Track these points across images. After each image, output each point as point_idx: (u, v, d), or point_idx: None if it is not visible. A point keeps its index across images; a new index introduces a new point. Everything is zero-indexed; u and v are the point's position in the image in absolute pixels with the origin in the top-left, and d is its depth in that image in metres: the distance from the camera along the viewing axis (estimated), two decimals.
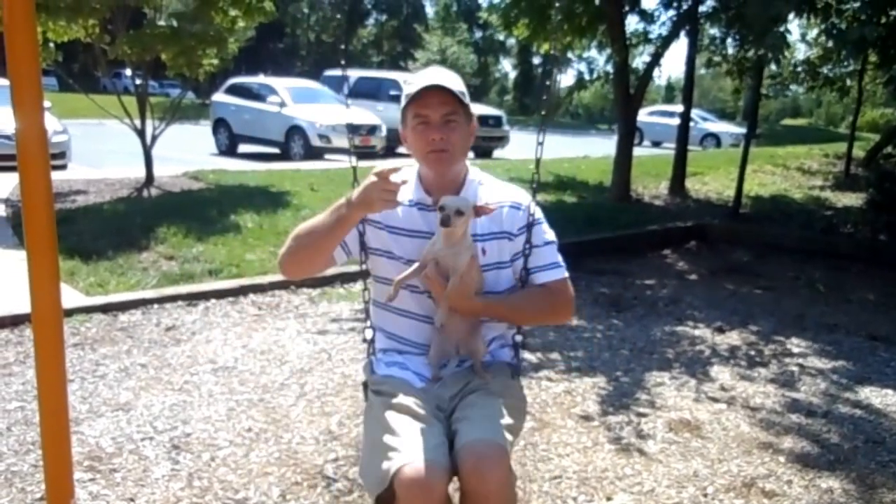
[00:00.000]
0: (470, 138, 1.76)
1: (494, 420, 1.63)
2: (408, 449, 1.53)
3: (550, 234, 1.82)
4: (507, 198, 1.79)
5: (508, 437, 1.63)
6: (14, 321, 3.96)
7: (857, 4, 7.79)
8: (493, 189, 1.81)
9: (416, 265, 1.70)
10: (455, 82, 1.70)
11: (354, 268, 5.59)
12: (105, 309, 4.32)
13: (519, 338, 1.89)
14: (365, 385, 1.88)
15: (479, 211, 1.67)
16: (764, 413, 3.41)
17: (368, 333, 1.89)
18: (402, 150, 2.22)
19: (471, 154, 1.96)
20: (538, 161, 1.83)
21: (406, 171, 1.74)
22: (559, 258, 1.82)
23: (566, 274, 1.82)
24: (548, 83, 2.16)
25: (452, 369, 1.82)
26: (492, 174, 1.90)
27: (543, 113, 1.94)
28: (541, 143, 1.81)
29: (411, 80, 1.73)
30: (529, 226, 1.77)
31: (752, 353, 4.27)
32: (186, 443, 2.86)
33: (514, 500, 1.63)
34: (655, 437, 3.10)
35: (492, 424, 1.61)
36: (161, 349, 3.84)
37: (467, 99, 1.72)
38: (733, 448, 3.04)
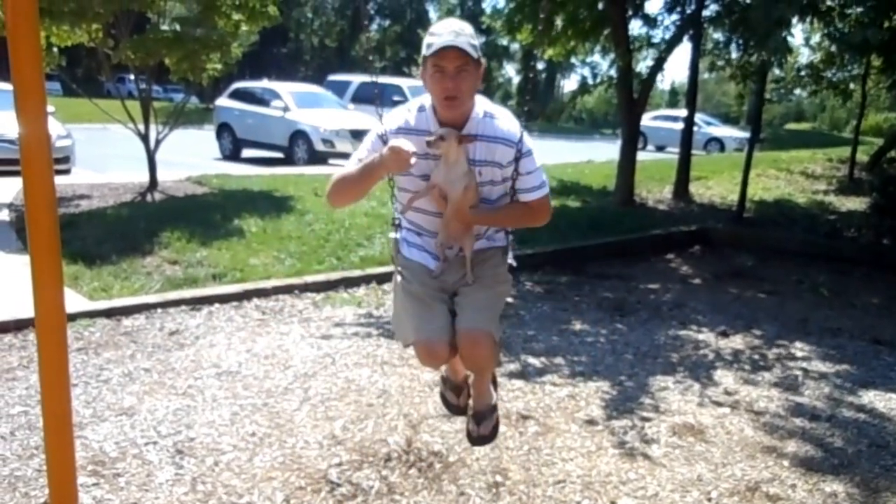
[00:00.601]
0: (478, 81, 2.08)
1: (485, 311, 2.19)
2: (418, 329, 2.18)
3: (536, 162, 2.17)
4: (501, 134, 2.13)
5: (494, 319, 2.23)
6: (18, 326, 3.98)
7: (860, 9, 7.78)
8: (491, 124, 2.13)
9: (423, 187, 2.15)
10: (469, 37, 2.01)
11: (357, 273, 5.59)
12: (109, 314, 4.33)
13: (507, 231, 2.40)
14: (393, 260, 2.37)
15: (461, 139, 2.05)
16: (768, 417, 3.40)
17: (398, 215, 2.33)
18: None
19: None
20: (529, 99, 2.00)
21: (417, 104, 2.17)
22: (542, 178, 2.20)
23: (546, 191, 2.22)
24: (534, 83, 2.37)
25: (455, 254, 2.29)
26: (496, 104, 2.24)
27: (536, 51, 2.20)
28: (532, 78, 2.23)
29: (435, 32, 2.04)
30: (517, 158, 2.13)
31: (756, 357, 4.26)
32: (190, 447, 2.86)
33: (495, 361, 2.44)
34: (659, 442, 3.09)
35: (482, 315, 2.18)
36: (165, 354, 3.84)
37: (478, 52, 2.04)
38: (737, 452, 3.03)
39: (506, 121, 2.16)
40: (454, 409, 2.64)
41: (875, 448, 3.14)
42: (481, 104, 2.16)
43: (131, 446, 2.85)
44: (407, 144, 1.99)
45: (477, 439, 2.49)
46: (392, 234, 2.38)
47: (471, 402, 2.50)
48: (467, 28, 2.06)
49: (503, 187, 2.20)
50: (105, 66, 7.87)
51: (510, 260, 2.34)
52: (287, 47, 45.20)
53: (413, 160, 2.00)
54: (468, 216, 2.17)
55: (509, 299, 2.40)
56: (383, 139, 2.13)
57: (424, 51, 2.03)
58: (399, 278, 2.30)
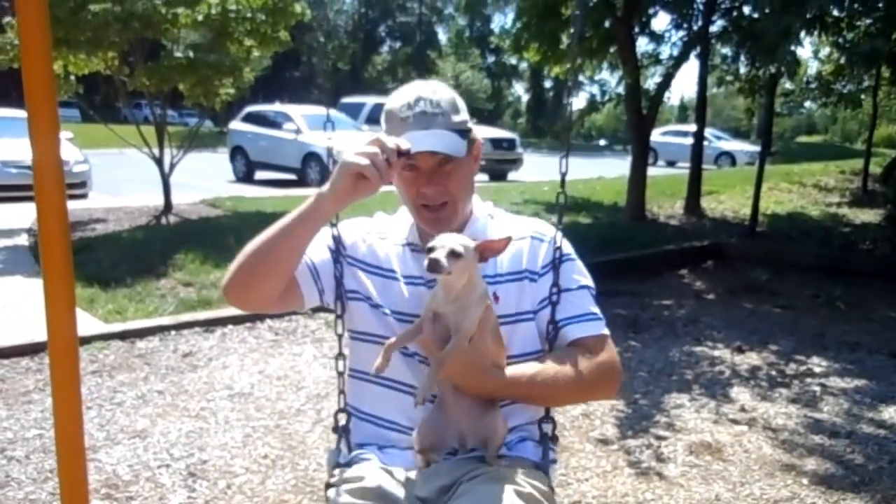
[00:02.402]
0: (473, 170, 1.39)
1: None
2: None
3: (585, 277, 1.40)
4: (527, 230, 1.41)
5: None
6: (34, 349, 4.01)
7: (867, 20, 7.78)
8: (504, 223, 1.43)
9: (412, 325, 1.27)
10: (445, 118, 1.30)
11: None
12: (123, 336, 4.36)
13: (548, 427, 1.39)
14: (327, 487, 1.37)
15: (484, 251, 1.22)
16: (786, 434, 3.35)
17: (341, 418, 1.41)
18: None
19: (485, 177, 1.58)
20: (563, 185, 1.39)
21: (400, 212, 1.47)
22: (597, 309, 1.39)
23: (606, 330, 1.38)
24: (566, 113, 1.50)
25: (452, 458, 1.31)
26: (504, 207, 1.55)
27: (566, 142, 1.48)
28: (564, 174, 1.40)
29: (392, 115, 1.31)
30: (556, 264, 1.35)
31: (773, 373, 4.20)
32: (203, 470, 2.86)
33: None
34: (676, 461, 3.05)
35: None
36: (178, 376, 3.86)
37: (466, 126, 1.34)
38: (755, 470, 2.98)
39: (525, 218, 1.48)
40: None
41: None
42: (482, 206, 1.45)
43: (144, 469, 2.85)
44: (388, 139, 1.21)
45: None
46: (332, 446, 1.44)
47: None
48: (444, 97, 1.31)
49: (531, 328, 1.36)
50: (121, 93, 8.02)
51: (551, 484, 1.34)
52: (300, 71, 45.77)
53: (392, 234, 1.30)
54: (487, 380, 1.25)
55: None
56: (336, 241, 1.40)
57: (384, 128, 1.33)
58: (334, 495, 1.31)
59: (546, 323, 1.35)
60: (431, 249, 1.19)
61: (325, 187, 1.25)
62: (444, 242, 1.19)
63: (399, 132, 1.27)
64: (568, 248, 1.40)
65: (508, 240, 1.24)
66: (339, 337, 1.43)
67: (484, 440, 1.27)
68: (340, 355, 1.45)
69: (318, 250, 1.37)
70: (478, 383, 1.24)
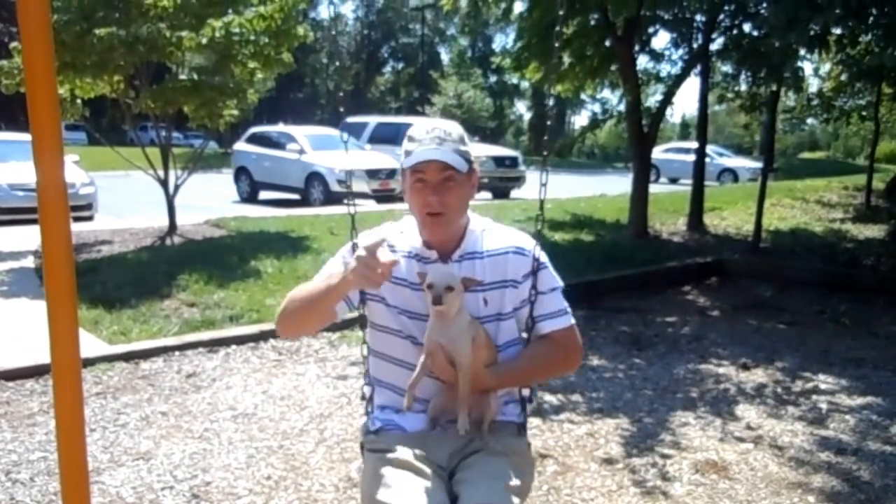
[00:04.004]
0: (470, 193, 1.74)
1: (499, 482, 1.59)
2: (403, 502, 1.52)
3: (556, 280, 1.78)
4: (510, 243, 1.76)
5: (515, 500, 1.58)
6: (39, 371, 4.02)
7: (868, 36, 7.83)
8: (494, 236, 1.78)
9: (422, 360, 1.66)
10: (455, 143, 1.68)
11: None
12: (127, 357, 4.37)
13: (526, 392, 1.84)
14: (362, 446, 1.80)
15: (466, 284, 1.65)
16: (792, 452, 3.33)
17: (367, 390, 1.83)
18: None
19: (488, 195, 1.96)
20: (542, 203, 1.76)
21: (405, 224, 1.80)
22: (565, 304, 1.79)
23: (573, 321, 1.79)
24: (546, 137, 2.01)
25: (453, 424, 1.71)
26: (493, 218, 1.87)
27: (545, 154, 1.92)
28: (544, 185, 1.76)
29: (414, 136, 1.70)
30: (535, 272, 1.73)
31: (779, 390, 4.18)
32: (206, 492, 2.85)
33: None
34: (681, 479, 3.03)
35: (496, 487, 1.58)
36: (182, 396, 3.86)
37: (469, 158, 1.70)
38: (762, 489, 2.96)
39: (512, 232, 1.81)
40: None
41: None
42: (478, 221, 1.81)
43: (148, 491, 2.85)
44: (386, 255, 1.57)
45: None
46: (363, 419, 1.85)
47: None
48: (454, 130, 1.71)
49: (512, 323, 1.75)
50: (127, 116, 8.11)
51: (528, 442, 1.83)
52: (303, 92, 46.22)
53: (388, 275, 1.58)
54: (487, 379, 1.68)
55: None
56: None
57: (403, 159, 1.70)
58: (370, 457, 1.72)
59: (525, 318, 1.75)
60: (431, 286, 1.60)
61: (350, 275, 1.58)
62: (439, 280, 1.61)
63: (416, 149, 1.67)
64: (544, 257, 1.76)
65: (480, 282, 1.68)
66: (363, 328, 1.82)
67: (480, 415, 1.69)
68: (364, 342, 1.84)
69: (347, 260, 1.70)
70: (477, 385, 1.67)
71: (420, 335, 1.68)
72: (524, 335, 1.77)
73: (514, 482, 1.62)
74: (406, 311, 1.72)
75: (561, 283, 1.78)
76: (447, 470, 1.67)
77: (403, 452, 1.65)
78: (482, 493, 1.55)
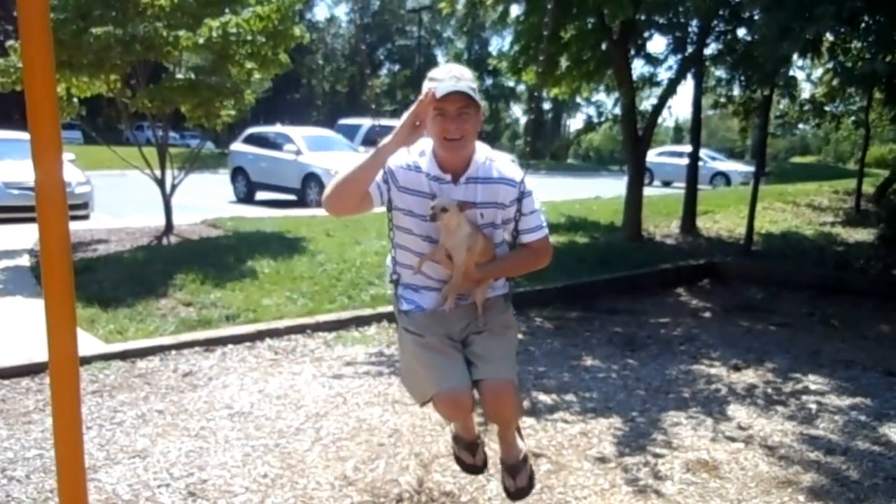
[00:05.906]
0: (479, 123, 2.14)
1: (507, 360, 2.22)
2: (440, 379, 2.12)
3: (537, 203, 2.23)
4: (503, 174, 2.19)
5: (514, 366, 2.25)
6: (35, 369, 4.04)
7: (861, 43, 7.89)
8: (494, 166, 2.20)
9: (431, 251, 2.22)
10: (469, 81, 2.08)
11: (368, 311, 5.62)
12: (124, 356, 4.38)
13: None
14: (398, 323, 2.36)
15: (462, 206, 2.11)
16: (782, 451, 3.37)
17: (395, 276, 2.32)
18: None
19: None
20: (528, 141, 2.07)
21: (427, 146, 2.17)
22: (542, 220, 2.25)
23: (546, 233, 2.28)
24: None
25: (465, 303, 2.28)
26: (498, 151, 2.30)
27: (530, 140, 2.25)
28: (534, 109, 2.05)
29: (435, 77, 2.08)
30: (520, 198, 2.18)
31: (769, 390, 4.23)
32: (202, 489, 2.87)
33: (521, 410, 2.58)
34: (673, 479, 3.07)
35: (506, 363, 2.20)
36: (178, 395, 3.88)
37: (478, 95, 2.10)
38: (752, 488, 3.00)
39: (507, 164, 2.24)
40: (472, 469, 2.59)
41: (891, 481, 3.10)
42: (483, 150, 2.22)
43: (144, 489, 2.87)
44: (425, 98, 2.02)
45: (516, 493, 2.42)
46: (391, 291, 2.38)
47: (501, 455, 2.44)
48: (467, 73, 2.13)
49: (503, 231, 2.25)
50: (124, 115, 8.10)
51: (512, 309, 2.39)
52: (300, 93, 46.13)
53: (419, 164, 2.12)
54: (476, 274, 2.21)
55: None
56: (385, 172, 2.17)
57: (425, 89, 2.07)
58: (407, 335, 2.27)
59: (511, 230, 2.26)
60: (433, 207, 2.10)
61: (388, 139, 2.06)
62: (438, 202, 2.11)
63: (436, 86, 2.04)
64: (530, 185, 2.20)
65: (473, 205, 2.15)
66: (390, 221, 2.25)
67: (475, 298, 2.28)
68: (391, 239, 2.28)
69: (380, 175, 2.16)
70: (469, 277, 2.22)
71: (430, 234, 2.21)
72: (508, 239, 2.30)
73: (512, 353, 2.29)
74: (419, 216, 2.18)
75: (539, 207, 2.25)
76: (459, 340, 2.24)
77: (431, 339, 2.20)
78: (496, 369, 2.16)
